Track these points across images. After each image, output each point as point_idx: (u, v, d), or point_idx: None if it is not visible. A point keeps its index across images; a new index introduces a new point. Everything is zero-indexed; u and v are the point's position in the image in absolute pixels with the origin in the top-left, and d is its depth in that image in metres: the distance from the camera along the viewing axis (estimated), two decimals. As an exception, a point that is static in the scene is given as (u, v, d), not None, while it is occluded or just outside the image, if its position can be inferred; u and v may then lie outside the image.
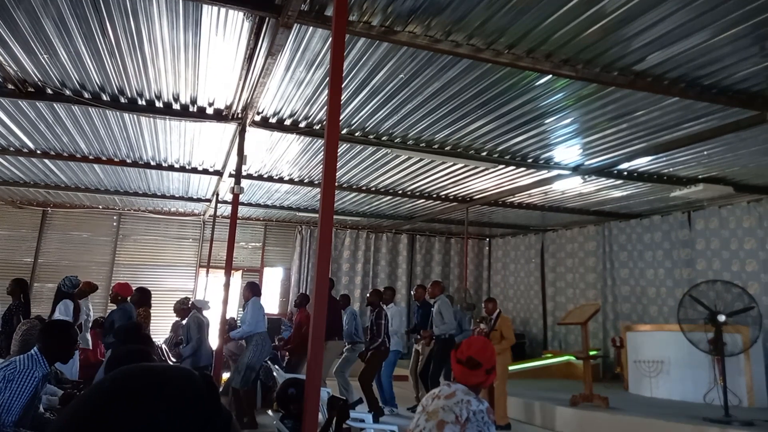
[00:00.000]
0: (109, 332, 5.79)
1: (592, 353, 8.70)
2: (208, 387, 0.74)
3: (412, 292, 8.64)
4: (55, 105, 6.10)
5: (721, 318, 6.40)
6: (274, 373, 7.12)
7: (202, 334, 7.08)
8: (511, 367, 10.47)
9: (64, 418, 0.69)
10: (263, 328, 7.13)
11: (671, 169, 7.63)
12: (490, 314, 8.64)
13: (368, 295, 8.37)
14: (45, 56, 4.94)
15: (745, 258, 8.84)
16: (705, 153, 6.76)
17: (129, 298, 6.74)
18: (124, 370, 0.74)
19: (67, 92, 5.71)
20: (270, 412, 4.51)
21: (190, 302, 7.58)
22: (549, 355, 11.58)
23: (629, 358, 9.02)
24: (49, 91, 5.70)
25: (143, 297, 6.86)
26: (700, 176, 7.81)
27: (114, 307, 6.52)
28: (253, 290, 7.36)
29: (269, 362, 7.47)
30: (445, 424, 2.59)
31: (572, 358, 10.39)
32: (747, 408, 7.27)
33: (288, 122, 6.48)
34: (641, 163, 7.33)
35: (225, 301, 6.42)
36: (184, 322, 7.50)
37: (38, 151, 8.00)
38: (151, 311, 7.37)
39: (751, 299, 6.52)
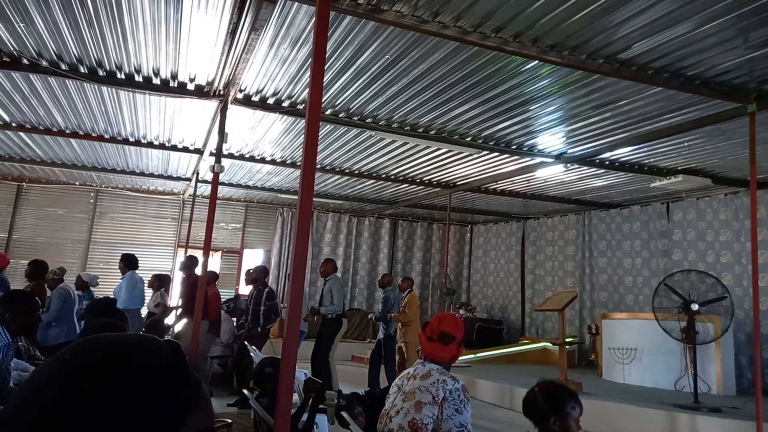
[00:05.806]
0: None
1: (568, 340, 8.83)
2: (174, 356, 0.71)
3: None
4: (31, 76, 5.92)
5: (695, 307, 6.52)
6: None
7: (65, 308, 6.26)
8: (488, 353, 10.67)
9: (23, 392, 0.66)
10: (138, 305, 6.95)
11: (652, 160, 7.71)
12: (402, 292, 8.64)
13: (251, 271, 7.83)
14: (21, 25, 4.78)
15: (720, 249, 9.01)
16: (686, 144, 6.83)
17: (26, 272, 6.50)
18: (84, 341, 0.71)
19: (44, 63, 5.55)
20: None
21: (78, 276, 7.21)
22: (526, 341, 11.73)
23: (604, 345, 9.17)
24: (25, 61, 5.53)
25: (36, 270, 6.52)
26: (679, 167, 7.92)
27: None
28: (128, 264, 7.03)
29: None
30: (423, 405, 2.64)
31: (549, 344, 10.53)
32: (716, 395, 7.45)
33: (271, 101, 6.39)
34: (623, 152, 7.38)
35: (203, 282, 6.35)
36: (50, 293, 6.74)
37: (13, 124, 7.79)
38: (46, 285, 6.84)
39: (725, 289, 6.65)
